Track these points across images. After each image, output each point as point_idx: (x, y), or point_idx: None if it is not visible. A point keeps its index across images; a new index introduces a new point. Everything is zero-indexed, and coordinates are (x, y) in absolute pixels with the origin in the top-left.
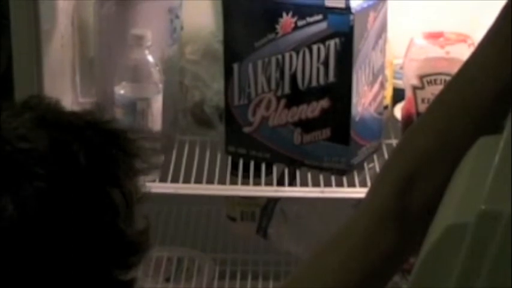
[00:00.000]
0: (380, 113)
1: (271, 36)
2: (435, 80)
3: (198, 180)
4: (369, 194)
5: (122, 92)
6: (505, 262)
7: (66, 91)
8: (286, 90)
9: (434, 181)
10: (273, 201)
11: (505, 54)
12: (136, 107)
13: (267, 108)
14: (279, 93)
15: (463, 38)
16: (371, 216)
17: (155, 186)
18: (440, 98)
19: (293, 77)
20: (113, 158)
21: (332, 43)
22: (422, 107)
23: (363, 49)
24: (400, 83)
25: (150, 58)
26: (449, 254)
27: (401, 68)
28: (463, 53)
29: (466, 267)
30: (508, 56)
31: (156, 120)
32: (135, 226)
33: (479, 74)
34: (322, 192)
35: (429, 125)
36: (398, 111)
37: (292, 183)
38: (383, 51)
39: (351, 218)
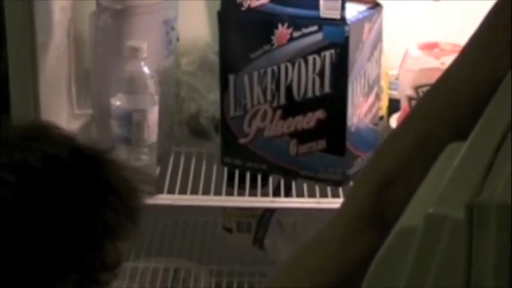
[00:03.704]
0: (375, 124)
1: (266, 47)
2: None
3: (194, 192)
4: (346, 199)
5: (117, 103)
6: (449, 267)
7: (62, 103)
8: (282, 101)
9: (411, 187)
10: (269, 212)
11: (480, 67)
12: (132, 119)
13: (263, 119)
14: (275, 104)
15: (458, 49)
16: (348, 221)
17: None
18: (420, 106)
19: (289, 88)
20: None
21: (327, 54)
22: None
23: (358, 60)
24: (395, 94)
25: (145, 70)
26: (400, 256)
27: (396, 78)
28: None
29: (414, 271)
30: (484, 69)
31: (152, 131)
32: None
33: (459, 85)
34: (318, 203)
35: (408, 131)
36: (394, 122)
37: (288, 194)
38: (378, 62)
39: (327, 224)
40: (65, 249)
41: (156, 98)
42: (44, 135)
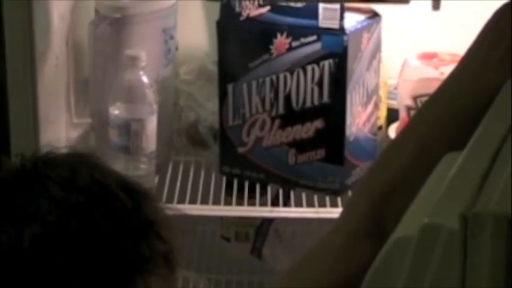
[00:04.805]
0: (374, 134)
1: (265, 57)
2: None
3: (193, 201)
4: (345, 210)
5: (116, 112)
6: (444, 277)
7: (60, 111)
8: (281, 110)
9: (411, 198)
10: (267, 222)
11: (479, 78)
12: (130, 128)
13: (261, 128)
14: (273, 113)
15: (457, 59)
16: (347, 233)
17: None
18: (419, 116)
19: (287, 98)
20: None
21: (326, 64)
22: None
23: (357, 70)
24: (394, 104)
25: (144, 79)
26: (396, 266)
27: (395, 88)
28: None
29: (409, 281)
30: (482, 79)
31: (150, 140)
32: None
33: (458, 96)
34: (317, 212)
35: (407, 142)
36: (392, 132)
37: (286, 203)
38: (377, 71)
39: (326, 235)
40: (96, 275)
41: (155, 107)
42: (89, 160)
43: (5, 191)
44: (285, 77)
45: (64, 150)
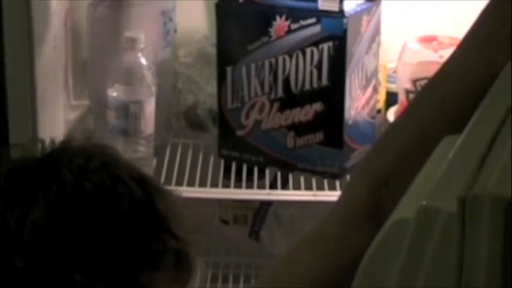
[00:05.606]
0: (373, 117)
1: (264, 39)
2: None
3: (191, 184)
4: (343, 194)
5: (114, 94)
6: (441, 259)
7: (58, 93)
8: (280, 93)
9: (410, 182)
10: (265, 205)
11: (478, 61)
12: (129, 110)
13: (260, 111)
14: (272, 96)
15: (456, 42)
16: (345, 218)
17: None
18: (418, 100)
19: (286, 81)
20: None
21: (325, 47)
22: None
23: (356, 53)
24: (393, 87)
25: (143, 61)
26: (393, 249)
27: (394, 71)
28: None
29: (407, 263)
30: (482, 62)
31: (148, 123)
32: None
33: (457, 79)
34: (315, 195)
35: (407, 126)
36: (391, 115)
37: (285, 186)
38: (376, 55)
39: (324, 219)
40: (97, 263)
41: (154, 89)
42: (105, 151)
43: (19, 174)
44: (284, 60)
45: (83, 140)
